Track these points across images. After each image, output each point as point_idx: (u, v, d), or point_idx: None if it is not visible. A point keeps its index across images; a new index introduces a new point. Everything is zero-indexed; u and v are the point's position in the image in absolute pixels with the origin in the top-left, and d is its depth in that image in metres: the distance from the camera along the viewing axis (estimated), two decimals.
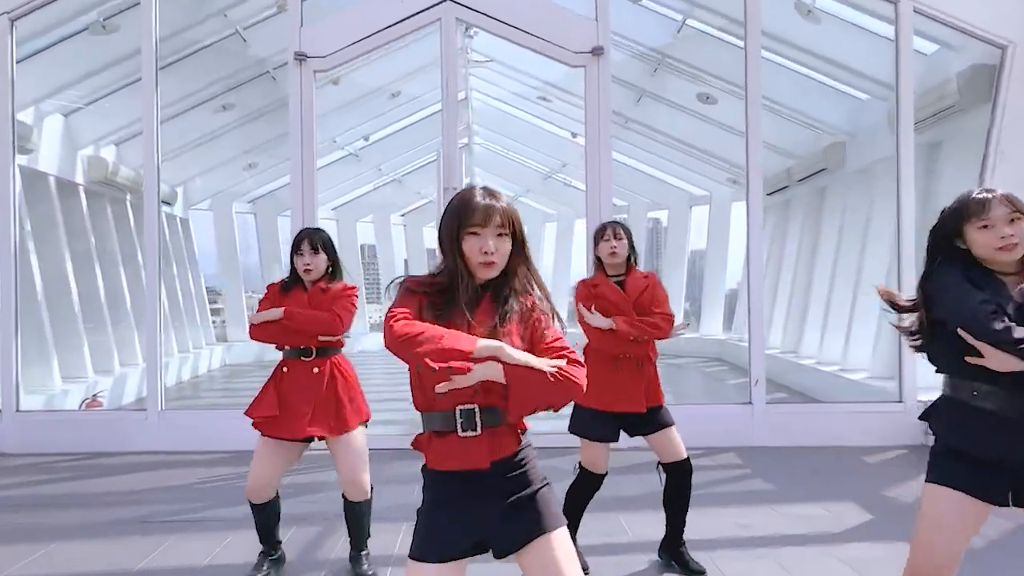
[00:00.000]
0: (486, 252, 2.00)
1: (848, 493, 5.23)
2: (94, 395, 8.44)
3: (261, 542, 3.83)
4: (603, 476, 3.82)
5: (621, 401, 3.69)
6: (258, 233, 15.15)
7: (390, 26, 6.99)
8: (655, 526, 4.08)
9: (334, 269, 3.80)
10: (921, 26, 7.16)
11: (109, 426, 6.89)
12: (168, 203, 11.73)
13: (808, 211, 10.96)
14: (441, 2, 6.92)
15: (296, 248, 3.72)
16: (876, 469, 6.02)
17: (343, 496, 3.79)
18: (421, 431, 2.11)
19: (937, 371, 2.43)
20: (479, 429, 1.99)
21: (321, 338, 3.63)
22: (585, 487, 3.83)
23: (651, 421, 3.74)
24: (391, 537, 4.25)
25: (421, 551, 2.02)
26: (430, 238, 18.06)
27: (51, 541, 4.36)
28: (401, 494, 4.95)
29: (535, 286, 2.11)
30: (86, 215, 9.83)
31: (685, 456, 3.74)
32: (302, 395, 3.59)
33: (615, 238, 3.83)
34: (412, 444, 2.13)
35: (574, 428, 3.81)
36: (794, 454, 6.37)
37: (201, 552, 4.16)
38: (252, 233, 15.03)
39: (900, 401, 6.81)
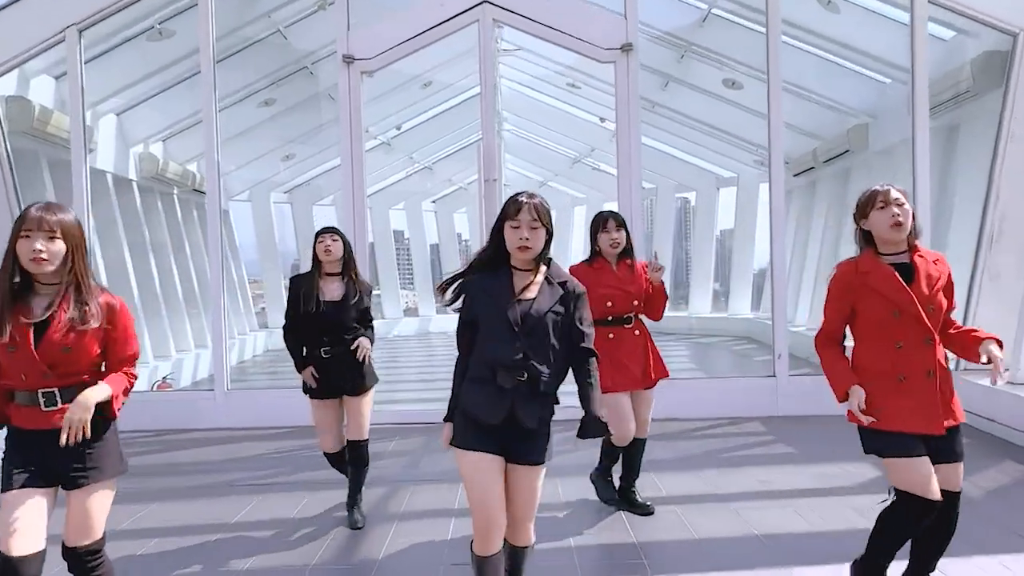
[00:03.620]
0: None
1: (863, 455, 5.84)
2: (163, 378, 9.22)
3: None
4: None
5: None
6: (295, 221, 15.93)
7: (431, 28, 7.66)
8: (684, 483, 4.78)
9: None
10: (937, 14, 7.65)
11: (181, 405, 7.72)
12: None
13: (834, 192, 11.43)
14: (479, 4, 7.57)
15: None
16: None
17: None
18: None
19: None
20: None
21: None
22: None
23: None
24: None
25: None
26: (460, 223, 18.89)
27: (152, 502, 5.10)
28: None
29: None
30: (139, 210, 10.64)
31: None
32: None
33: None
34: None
35: None
36: (817, 422, 6.77)
37: (288, 507, 4.93)
38: (289, 222, 15.86)
39: None
